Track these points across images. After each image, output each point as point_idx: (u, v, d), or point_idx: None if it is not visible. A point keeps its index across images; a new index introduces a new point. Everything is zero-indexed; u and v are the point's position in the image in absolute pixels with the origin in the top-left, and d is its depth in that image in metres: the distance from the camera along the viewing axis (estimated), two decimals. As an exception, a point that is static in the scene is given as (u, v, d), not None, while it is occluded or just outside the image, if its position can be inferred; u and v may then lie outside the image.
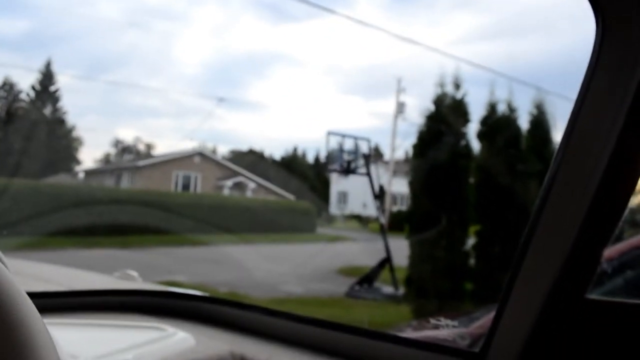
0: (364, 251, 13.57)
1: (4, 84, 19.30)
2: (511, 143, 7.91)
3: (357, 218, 21.51)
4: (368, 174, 10.58)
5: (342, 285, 9.59)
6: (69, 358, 1.09)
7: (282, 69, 27.47)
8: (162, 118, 28.73)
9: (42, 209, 11.91)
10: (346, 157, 11.11)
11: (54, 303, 1.55)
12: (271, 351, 1.32)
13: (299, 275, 10.81)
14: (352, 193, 22.98)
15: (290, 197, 19.67)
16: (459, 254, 7.80)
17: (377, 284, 9.41)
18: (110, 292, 1.73)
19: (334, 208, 23.64)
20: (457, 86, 8.33)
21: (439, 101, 8.33)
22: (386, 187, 18.09)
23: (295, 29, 25.63)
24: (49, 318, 1.30)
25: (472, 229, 7.94)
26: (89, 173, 20.82)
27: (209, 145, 25.85)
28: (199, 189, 18.70)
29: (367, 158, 10.86)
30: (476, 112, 8.20)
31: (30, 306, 0.47)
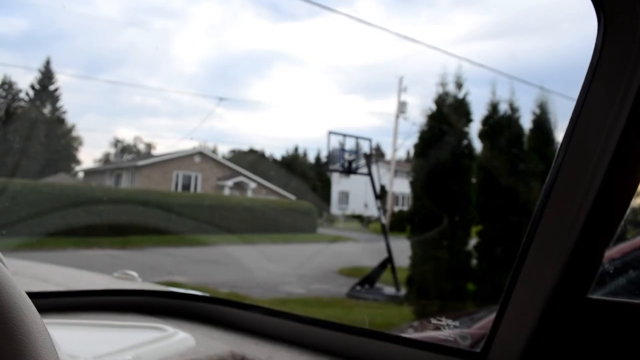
0: (365, 251, 13.56)
1: (3, 83, 19.29)
2: (513, 143, 7.88)
3: (359, 218, 21.50)
4: (369, 174, 10.55)
5: (343, 286, 9.57)
6: (68, 358, 1.08)
7: (282, 68, 27.45)
8: (162, 117, 28.73)
9: (42, 209, 11.90)
10: (347, 156, 11.07)
11: (54, 303, 1.55)
12: (272, 351, 1.32)
13: (299, 275, 10.79)
14: (353, 193, 22.95)
15: (291, 197, 19.65)
16: (461, 254, 7.77)
17: (378, 285, 9.39)
18: (110, 292, 1.72)
19: (335, 208, 23.62)
20: (459, 85, 8.31)
21: (440, 100, 8.31)
22: (387, 187, 18.05)
23: (296, 28, 25.63)
24: (49, 318, 1.29)
25: (474, 229, 7.91)
26: (89, 173, 20.80)
27: (209, 144, 25.86)
28: (199, 189, 18.68)
29: (369, 158, 10.82)
30: (478, 112, 8.18)
31: (29, 306, 0.47)
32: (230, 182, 18.94)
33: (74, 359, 1.10)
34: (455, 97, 8.30)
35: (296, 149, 31.10)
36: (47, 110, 20.45)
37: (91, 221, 12.61)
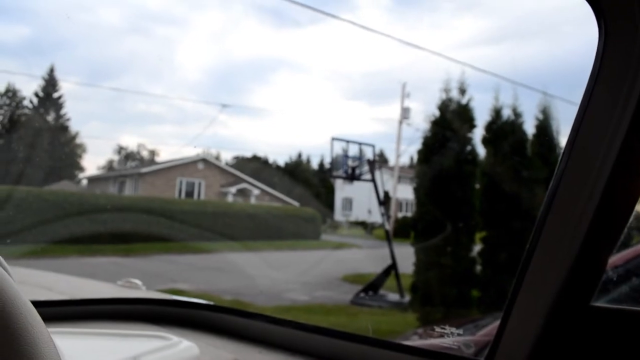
0: (369, 258, 13.53)
1: (7, 91, 19.38)
2: (517, 149, 7.86)
3: (362, 224, 21.46)
4: (373, 180, 10.53)
5: (347, 293, 9.55)
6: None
7: (285, 74, 27.53)
8: (166, 124, 28.78)
9: (46, 217, 11.92)
10: (351, 163, 11.06)
11: (58, 312, 1.55)
12: (275, 360, 1.31)
13: (303, 282, 10.77)
14: (356, 199, 22.93)
15: (295, 203, 19.63)
16: (465, 260, 7.73)
17: (382, 292, 9.36)
18: (114, 300, 1.72)
19: (338, 214, 23.59)
20: (462, 91, 8.30)
21: (444, 106, 8.30)
22: (391, 193, 18.02)
23: (298, 35, 25.71)
24: (53, 327, 1.27)
25: (478, 235, 7.88)
26: (92, 180, 20.85)
27: (213, 151, 25.90)
28: (202, 196, 18.69)
29: (372, 164, 10.81)
30: (481, 117, 8.16)
31: (34, 315, 0.47)
32: (233, 189, 18.94)
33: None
34: (458, 103, 8.29)
35: (299, 156, 31.14)
36: (50, 117, 20.53)
37: (95, 229, 12.62)
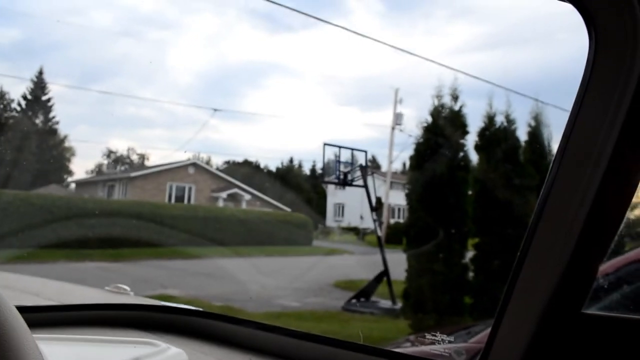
0: (361, 264, 13.50)
1: (-6, 93, 19.22)
2: (509, 155, 7.86)
3: (354, 230, 21.45)
4: (365, 186, 10.50)
5: (338, 299, 9.53)
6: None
7: (277, 79, 27.50)
8: (156, 128, 28.65)
9: (33, 221, 11.80)
10: (343, 168, 11.03)
11: (45, 317, 1.54)
12: (266, 367, 1.31)
13: (294, 289, 10.74)
14: (348, 205, 22.92)
15: (286, 209, 19.58)
16: (457, 267, 7.71)
17: (374, 298, 9.33)
18: (102, 306, 1.70)
19: (330, 220, 23.57)
20: (455, 97, 8.30)
21: (436, 112, 8.30)
22: (383, 199, 18.01)
23: (291, 40, 25.74)
24: (39, 333, 1.22)
25: (471, 241, 7.87)
26: (81, 184, 20.67)
27: (204, 156, 25.79)
28: (193, 201, 18.59)
29: (364, 170, 10.78)
30: (474, 124, 8.17)
31: (19, 321, 0.46)
32: (224, 194, 18.86)
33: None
34: (451, 109, 8.30)
35: (291, 161, 31.12)
36: (39, 120, 20.37)
37: (83, 233, 12.52)
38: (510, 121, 8.10)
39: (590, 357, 0.91)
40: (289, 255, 15.42)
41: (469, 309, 7.54)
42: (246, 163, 26.55)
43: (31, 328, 0.48)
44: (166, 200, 17.96)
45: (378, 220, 10.56)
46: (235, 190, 19.15)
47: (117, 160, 27.29)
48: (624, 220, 0.87)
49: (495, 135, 7.99)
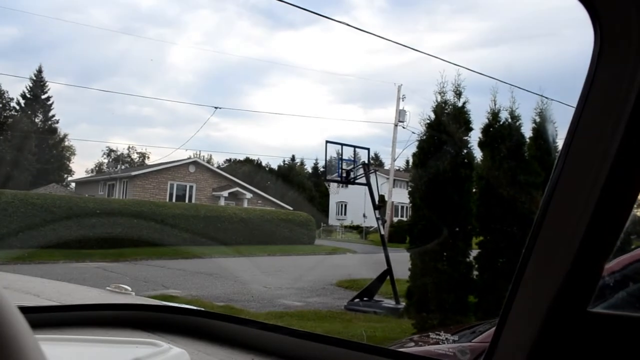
0: (363, 263, 13.46)
1: (-7, 92, 19.22)
2: (514, 152, 7.77)
3: (357, 229, 21.42)
4: (368, 184, 10.41)
5: (341, 299, 9.53)
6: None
7: (279, 76, 27.45)
8: (156, 127, 28.66)
9: (33, 221, 11.80)
10: (345, 166, 10.95)
11: (46, 318, 1.55)
12: (268, 368, 1.32)
13: (297, 288, 10.72)
14: (351, 203, 22.88)
15: (288, 207, 19.53)
16: (461, 265, 7.63)
17: (377, 297, 9.30)
18: (103, 306, 1.72)
19: (333, 219, 23.54)
20: (459, 94, 8.21)
21: (439, 109, 8.21)
22: (387, 197, 17.92)
23: (293, 36, 25.67)
24: (41, 333, 1.29)
25: (475, 240, 7.80)
26: (81, 183, 20.65)
27: (204, 154, 25.76)
28: (194, 200, 18.57)
29: (367, 167, 10.69)
30: (478, 120, 8.08)
31: (21, 321, 0.47)
32: (225, 193, 18.82)
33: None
34: (454, 106, 8.20)
35: (293, 159, 31.10)
36: (38, 119, 20.36)
37: (83, 233, 12.53)
38: (514, 117, 8.01)
39: (596, 356, 0.91)
40: (291, 254, 15.42)
41: (473, 308, 7.48)
42: (247, 161, 26.53)
43: (32, 328, 0.48)
44: (167, 199, 17.95)
45: (381, 219, 10.46)
46: (237, 188, 19.12)
47: (117, 159, 27.29)
48: (630, 217, 0.87)
49: (500, 132, 7.89)
